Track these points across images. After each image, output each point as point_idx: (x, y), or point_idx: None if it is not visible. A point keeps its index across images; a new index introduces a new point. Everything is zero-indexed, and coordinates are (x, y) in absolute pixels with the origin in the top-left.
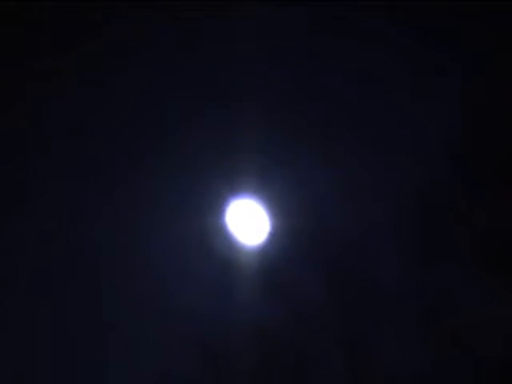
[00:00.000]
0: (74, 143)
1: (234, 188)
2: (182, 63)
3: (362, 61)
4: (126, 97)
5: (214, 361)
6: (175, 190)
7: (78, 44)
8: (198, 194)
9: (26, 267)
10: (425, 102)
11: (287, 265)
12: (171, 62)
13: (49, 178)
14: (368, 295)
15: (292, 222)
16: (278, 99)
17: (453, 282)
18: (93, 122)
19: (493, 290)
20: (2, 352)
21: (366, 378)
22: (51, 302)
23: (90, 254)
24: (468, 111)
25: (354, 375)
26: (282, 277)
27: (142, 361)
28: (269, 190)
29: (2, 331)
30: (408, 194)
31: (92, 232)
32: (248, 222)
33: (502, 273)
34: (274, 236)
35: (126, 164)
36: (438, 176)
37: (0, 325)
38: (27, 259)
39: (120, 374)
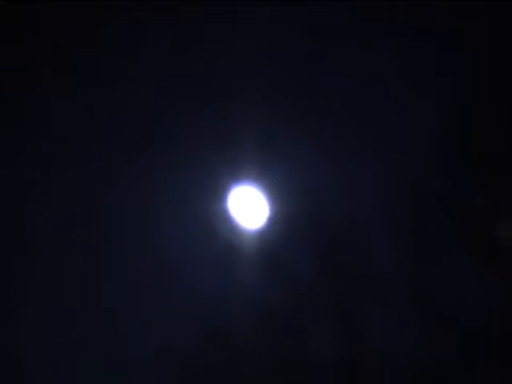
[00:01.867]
0: (92, 133)
1: (235, 176)
2: (188, 60)
3: (358, 60)
4: (138, 91)
5: (217, 334)
6: (182, 179)
7: (86, 43)
8: (202, 181)
9: (46, 249)
10: (417, 97)
11: (285, 247)
12: (177, 59)
13: (70, 166)
14: (360, 275)
15: (289, 207)
16: (277, 95)
17: (440, 264)
18: (109, 114)
19: (477, 270)
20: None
21: (358, 349)
22: (66, 280)
23: (104, 236)
24: (457, 106)
25: (346, 348)
26: (280, 258)
27: (148, 336)
28: (268, 178)
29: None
30: (400, 183)
31: (106, 215)
32: (248, 207)
33: (485, 255)
34: (272, 220)
35: (138, 155)
36: (428, 167)
37: (19, 295)
38: (48, 242)
39: (126, 349)
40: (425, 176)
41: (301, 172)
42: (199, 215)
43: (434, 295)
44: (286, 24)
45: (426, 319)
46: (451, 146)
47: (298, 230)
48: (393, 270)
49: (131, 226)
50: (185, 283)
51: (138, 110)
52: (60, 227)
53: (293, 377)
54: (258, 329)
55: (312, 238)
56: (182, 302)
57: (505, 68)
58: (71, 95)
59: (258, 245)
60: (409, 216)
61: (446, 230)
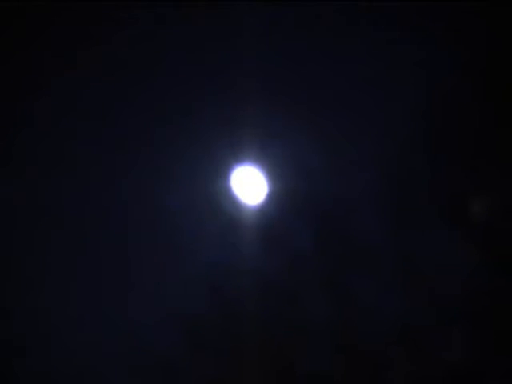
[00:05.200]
0: (106, 122)
1: (237, 156)
2: (195, 55)
3: (351, 50)
4: (148, 82)
5: (220, 300)
6: (190, 159)
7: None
8: (208, 161)
9: (68, 215)
10: (402, 87)
11: (282, 221)
12: (185, 55)
13: (88, 150)
14: (351, 247)
15: (286, 185)
16: (274, 83)
17: (422, 236)
18: (122, 103)
19: (454, 241)
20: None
21: (348, 314)
22: (81, 247)
23: (119, 210)
24: (437, 94)
25: (337, 312)
26: (278, 231)
27: (159, 302)
28: (267, 159)
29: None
30: (386, 163)
31: (120, 191)
32: (249, 185)
33: (462, 227)
34: (271, 197)
35: (150, 137)
36: (410, 148)
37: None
38: (70, 209)
39: (137, 312)
40: (408, 157)
41: (297, 153)
42: (205, 192)
43: (416, 264)
44: (284, 17)
45: (409, 282)
46: (433, 129)
47: (294, 206)
48: (380, 241)
49: (145, 200)
50: (191, 254)
51: (148, 99)
52: (77, 204)
53: (290, 339)
54: (259, 293)
55: (307, 213)
56: (188, 271)
57: (487, 57)
58: (105, 79)
59: (258, 219)
60: (394, 192)
61: (427, 206)
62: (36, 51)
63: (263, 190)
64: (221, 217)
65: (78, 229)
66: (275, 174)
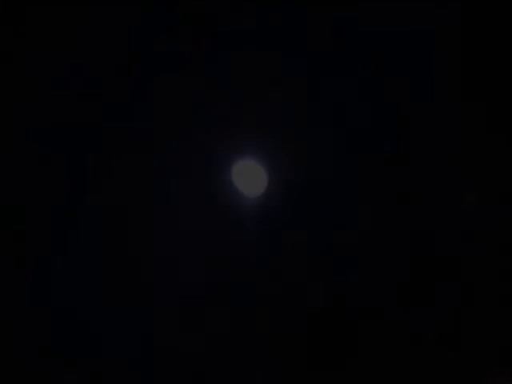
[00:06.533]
0: (106, 121)
1: (238, 152)
2: (196, 56)
3: (343, 54)
4: (147, 84)
5: (221, 290)
6: (191, 152)
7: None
8: (209, 154)
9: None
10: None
11: (281, 212)
12: (184, 51)
13: (87, 149)
14: (344, 234)
15: (285, 178)
16: (273, 81)
17: None
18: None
19: None
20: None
21: (340, 297)
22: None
23: (119, 205)
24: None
25: (330, 295)
26: (278, 222)
27: (166, 287)
28: (267, 153)
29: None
30: (374, 161)
31: (120, 186)
32: (249, 177)
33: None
34: (270, 189)
35: (150, 132)
36: None
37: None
38: (69, 211)
39: (149, 296)
40: None
41: (295, 148)
42: (206, 184)
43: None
44: (280, 19)
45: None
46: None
47: (292, 197)
48: (370, 227)
49: (142, 199)
50: (193, 244)
51: (148, 97)
52: (76, 205)
53: (288, 321)
54: (257, 281)
55: (304, 203)
56: (191, 260)
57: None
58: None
59: (259, 211)
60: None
61: None
62: (36, 51)
63: (263, 182)
64: (222, 209)
65: (80, 231)
66: (274, 168)
